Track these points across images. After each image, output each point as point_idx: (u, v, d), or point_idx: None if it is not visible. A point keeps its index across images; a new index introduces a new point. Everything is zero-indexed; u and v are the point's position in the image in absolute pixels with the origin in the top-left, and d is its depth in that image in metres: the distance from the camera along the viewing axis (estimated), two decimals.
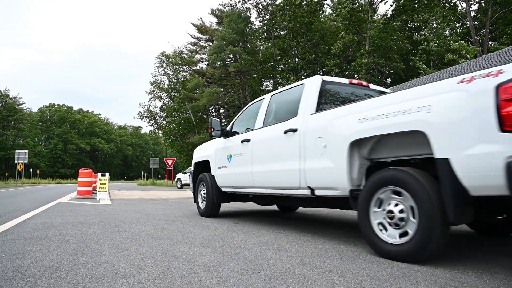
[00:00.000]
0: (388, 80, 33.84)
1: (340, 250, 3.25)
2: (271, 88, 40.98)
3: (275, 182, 4.46)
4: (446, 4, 26.21)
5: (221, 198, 5.88)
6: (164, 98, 46.85)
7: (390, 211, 2.92)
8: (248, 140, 5.00)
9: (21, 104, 72.83)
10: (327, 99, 4.27)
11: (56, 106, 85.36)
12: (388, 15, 31.31)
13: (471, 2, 25.13)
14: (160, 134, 49.94)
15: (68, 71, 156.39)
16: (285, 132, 4.20)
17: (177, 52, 44.38)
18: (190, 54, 46.07)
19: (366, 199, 3.12)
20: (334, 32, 33.90)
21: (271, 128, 4.61)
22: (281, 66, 36.46)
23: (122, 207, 7.87)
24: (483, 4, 26.79)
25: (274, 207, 8.01)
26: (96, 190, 11.93)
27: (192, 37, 46.19)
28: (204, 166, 6.34)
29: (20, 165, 32.95)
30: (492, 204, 2.81)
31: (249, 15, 37.64)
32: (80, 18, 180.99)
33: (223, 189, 5.76)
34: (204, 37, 45.61)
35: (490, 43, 26.12)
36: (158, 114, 47.20)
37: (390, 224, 2.95)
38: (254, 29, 39.37)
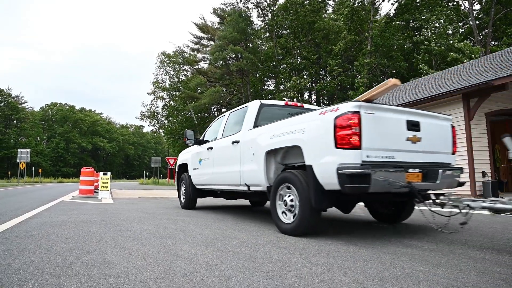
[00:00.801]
0: None
1: (342, 249, 3.24)
2: (273, 88, 40.95)
3: (226, 180, 5.66)
4: (449, 3, 26.10)
5: (196, 194, 7.16)
6: (165, 98, 46.84)
7: (285, 201, 4.13)
8: (211, 148, 6.25)
9: (24, 103, 73.11)
10: (265, 118, 5.28)
11: (58, 105, 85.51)
12: (390, 15, 31.24)
13: (473, 1, 25.02)
14: (162, 133, 49.99)
15: (68, 71, 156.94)
16: (232, 143, 5.44)
17: (178, 51, 44.35)
18: (192, 53, 46.05)
19: (274, 193, 4.32)
20: (336, 32, 33.81)
21: (225, 139, 5.80)
22: (283, 65, 36.40)
23: (124, 206, 7.89)
24: (484, 4, 26.67)
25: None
26: (98, 189, 11.95)
27: (194, 37, 46.20)
28: (184, 168, 7.64)
29: (22, 164, 33.05)
30: (346, 195, 3.74)
31: (249, 14, 37.58)
32: (80, 18, 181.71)
33: (197, 187, 7.00)
34: (206, 36, 45.58)
35: (493, 42, 26.01)
36: (160, 114, 47.18)
37: (288, 210, 4.12)
38: (256, 29, 39.36)
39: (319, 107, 4.54)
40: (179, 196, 7.89)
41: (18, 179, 35.98)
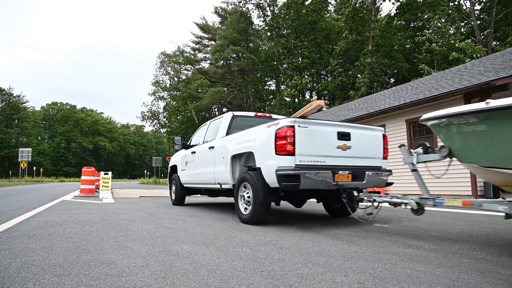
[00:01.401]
0: (392, 80, 33.67)
1: (343, 249, 3.24)
2: (274, 87, 40.94)
3: (205, 180, 6.59)
4: (450, 3, 26.05)
5: (184, 192, 8.13)
6: (166, 98, 46.85)
7: (243, 196, 5.06)
8: (194, 152, 7.22)
9: (25, 103, 73.18)
10: (237, 127, 6.08)
11: (59, 104, 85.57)
12: (391, 14, 31.19)
13: (475, 1, 24.97)
14: (163, 132, 50.00)
15: (68, 70, 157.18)
16: (209, 148, 6.37)
17: (179, 50, 44.34)
18: (193, 52, 46.04)
19: (236, 190, 5.23)
20: (338, 31, 33.78)
21: (205, 145, 6.72)
22: (284, 65, 36.38)
23: (125, 205, 7.89)
24: (484, 4, 26.61)
25: (276, 207, 8.03)
26: (99, 189, 11.96)
27: (195, 36, 46.22)
28: (174, 169, 8.52)
29: (23, 163, 33.09)
30: (295, 192, 4.88)
31: (249, 15, 37.56)
32: (80, 18, 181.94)
33: (184, 185, 7.93)
34: (207, 36, 45.57)
35: (494, 42, 25.95)
36: (161, 114, 47.17)
37: (246, 204, 5.02)
38: (257, 29, 39.33)
39: (284, 117, 5.44)
40: (170, 195, 8.87)
41: (19, 178, 36.04)
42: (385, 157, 5.12)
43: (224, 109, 45.62)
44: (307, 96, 38.61)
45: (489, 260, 2.88)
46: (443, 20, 23.58)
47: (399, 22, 31.53)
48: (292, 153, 4.24)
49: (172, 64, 45.28)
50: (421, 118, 3.60)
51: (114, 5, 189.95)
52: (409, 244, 3.52)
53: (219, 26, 43.13)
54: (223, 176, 5.78)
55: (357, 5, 28.53)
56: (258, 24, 40.39)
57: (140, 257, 2.81)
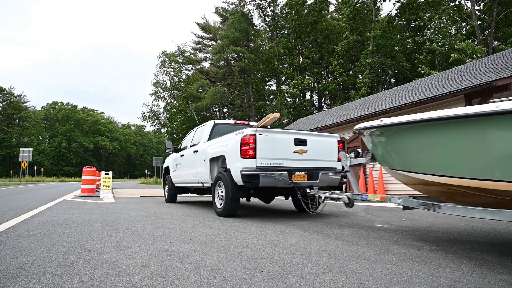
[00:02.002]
0: (393, 80, 33.64)
1: (343, 250, 3.24)
2: (275, 87, 40.93)
3: (191, 180, 7.52)
4: (451, 3, 26.01)
5: (176, 191, 8.97)
6: (167, 98, 46.86)
7: (218, 193, 5.94)
8: (183, 155, 8.09)
9: (26, 102, 73.25)
10: (218, 133, 6.77)
11: (60, 104, 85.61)
12: (392, 14, 31.15)
13: (475, 2, 24.94)
14: (163, 132, 50.00)
15: (75, 71, 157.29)
16: (194, 152, 7.33)
17: (180, 50, 44.33)
18: (193, 52, 46.03)
19: (213, 188, 6.08)
20: (338, 32, 33.75)
21: (191, 149, 7.62)
22: (285, 65, 36.35)
23: (125, 205, 7.90)
24: (484, 5, 26.56)
25: (277, 207, 8.02)
26: (99, 189, 11.97)
27: (196, 36, 46.21)
28: (167, 170, 9.39)
29: (24, 163, 33.12)
30: (263, 189, 5.69)
31: (251, 16, 37.55)
32: (88, 19, 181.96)
33: (175, 185, 8.76)
34: (208, 36, 45.57)
35: (495, 43, 25.91)
36: (162, 115, 47.18)
37: (220, 199, 5.88)
38: (257, 29, 39.33)
39: (255, 124, 6.26)
40: (164, 193, 9.77)
41: (20, 178, 36.07)
42: (339, 160, 5.77)
43: (225, 109, 45.61)
44: (308, 96, 38.62)
45: (490, 261, 2.88)
46: (444, 20, 23.55)
47: (399, 23, 31.51)
48: (253, 157, 5.13)
49: (173, 64, 45.30)
50: (353, 128, 4.17)
51: (122, 5, 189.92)
52: (409, 245, 3.52)
53: (220, 26, 43.13)
54: (204, 176, 6.70)
55: (357, 5, 28.50)
56: (259, 24, 40.40)
57: (141, 257, 2.81)
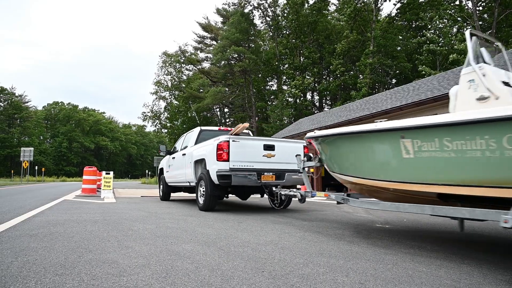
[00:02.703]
0: (394, 81, 33.60)
1: (344, 250, 3.24)
2: (276, 87, 40.92)
3: (180, 179, 8.41)
4: (451, 3, 25.96)
5: (169, 189, 9.83)
6: (167, 98, 46.87)
7: (200, 191, 6.83)
8: (174, 157, 9.00)
9: (27, 102, 73.31)
10: (204, 138, 7.66)
11: (61, 104, 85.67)
12: (393, 14, 31.10)
13: (476, 1, 24.89)
14: (164, 132, 50.04)
15: (76, 71, 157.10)
16: (183, 155, 8.18)
17: (181, 50, 44.36)
18: (194, 52, 46.04)
19: (197, 186, 7.04)
20: (339, 32, 33.72)
21: (180, 152, 8.52)
22: (286, 65, 36.33)
23: (126, 205, 7.90)
24: (485, 6, 26.50)
25: (277, 208, 8.05)
26: (100, 188, 11.97)
27: (198, 36, 46.21)
28: (162, 171, 10.28)
29: (25, 163, 33.14)
30: (235, 187, 6.85)
31: (252, 16, 37.54)
32: (89, 19, 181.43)
33: (168, 184, 9.60)
34: (209, 35, 45.57)
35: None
36: (163, 115, 47.19)
37: (202, 196, 6.78)
38: (258, 29, 39.31)
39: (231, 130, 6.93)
40: (159, 192, 10.58)
41: (21, 178, 36.11)
42: None
43: (226, 109, 45.62)
44: (309, 97, 38.60)
45: (491, 261, 2.88)
46: (445, 21, 23.51)
47: (400, 23, 31.48)
48: (227, 160, 6.05)
49: (174, 64, 45.35)
50: (305, 136, 4.92)
51: (122, 5, 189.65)
52: (410, 245, 3.51)
53: (221, 26, 43.15)
54: (190, 176, 7.53)
55: (358, 5, 28.48)
56: (259, 25, 40.39)
57: (142, 257, 2.82)
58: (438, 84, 12.40)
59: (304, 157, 5.20)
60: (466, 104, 3.02)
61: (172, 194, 10.54)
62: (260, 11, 38.43)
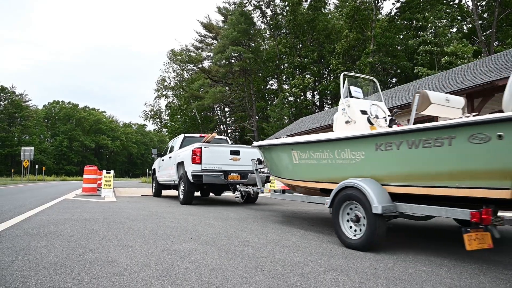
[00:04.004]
0: (394, 80, 33.55)
1: (344, 249, 3.24)
2: (276, 87, 40.89)
3: (168, 179, 9.75)
4: (451, 2, 25.89)
5: (160, 187, 11.12)
6: (169, 97, 46.92)
7: (180, 188, 8.23)
8: (163, 159, 10.44)
9: (27, 101, 73.26)
10: (187, 143, 9.07)
11: (61, 103, 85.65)
12: (392, 13, 31.05)
13: (477, 1, 24.85)
14: (165, 132, 50.10)
15: (78, 70, 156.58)
16: (169, 157, 9.62)
17: (185, 49, 44.53)
18: (196, 51, 46.10)
19: (179, 184, 8.40)
20: (339, 31, 33.67)
21: (168, 155, 9.95)
22: (285, 64, 36.29)
23: (126, 204, 7.91)
24: (485, 5, 26.44)
25: (278, 208, 8.04)
26: (101, 187, 11.98)
27: (199, 35, 46.21)
28: (154, 171, 11.66)
29: (25, 162, 33.14)
30: (210, 185, 8.30)
31: (252, 16, 37.51)
32: (88, 19, 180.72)
33: (160, 182, 10.88)
34: (210, 34, 45.57)
35: (496, 43, 25.82)
36: (164, 113, 47.25)
37: (182, 192, 8.13)
38: (258, 29, 39.28)
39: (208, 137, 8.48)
40: (152, 189, 12.01)
41: (22, 177, 36.11)
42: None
43: (226, 109, 45.61)
44: (309, 96, 38.57)
45: (491, 260, 2.88)
46: (443, 21, 23.45)
47: (399, 22, 31.43)
48: (199, 163, 7.50)
49: (178, 62, 45.56)
50: (252, 145, 6.18)
51: (122, 4, 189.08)
52: (411, 244, 3.51)
53: (222, 25, 43.11)
54: (174, 176, 8.89)
55: (357, 3, 28.42)
56: (259, 25, 40.36)
57: (142, 256, 2.82)
58: (438, 83, 12.39)
59: (256, 160, 6.24)
60: (340, 125, 4.24)
61: (164, 192, 11.60)
62: (259, 10, 38.41)
